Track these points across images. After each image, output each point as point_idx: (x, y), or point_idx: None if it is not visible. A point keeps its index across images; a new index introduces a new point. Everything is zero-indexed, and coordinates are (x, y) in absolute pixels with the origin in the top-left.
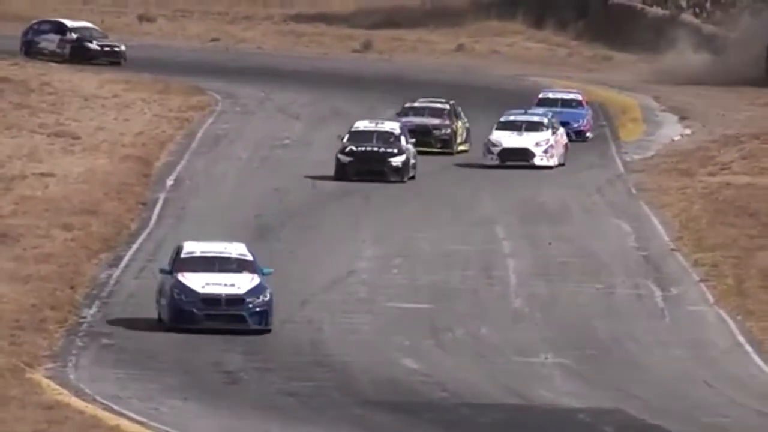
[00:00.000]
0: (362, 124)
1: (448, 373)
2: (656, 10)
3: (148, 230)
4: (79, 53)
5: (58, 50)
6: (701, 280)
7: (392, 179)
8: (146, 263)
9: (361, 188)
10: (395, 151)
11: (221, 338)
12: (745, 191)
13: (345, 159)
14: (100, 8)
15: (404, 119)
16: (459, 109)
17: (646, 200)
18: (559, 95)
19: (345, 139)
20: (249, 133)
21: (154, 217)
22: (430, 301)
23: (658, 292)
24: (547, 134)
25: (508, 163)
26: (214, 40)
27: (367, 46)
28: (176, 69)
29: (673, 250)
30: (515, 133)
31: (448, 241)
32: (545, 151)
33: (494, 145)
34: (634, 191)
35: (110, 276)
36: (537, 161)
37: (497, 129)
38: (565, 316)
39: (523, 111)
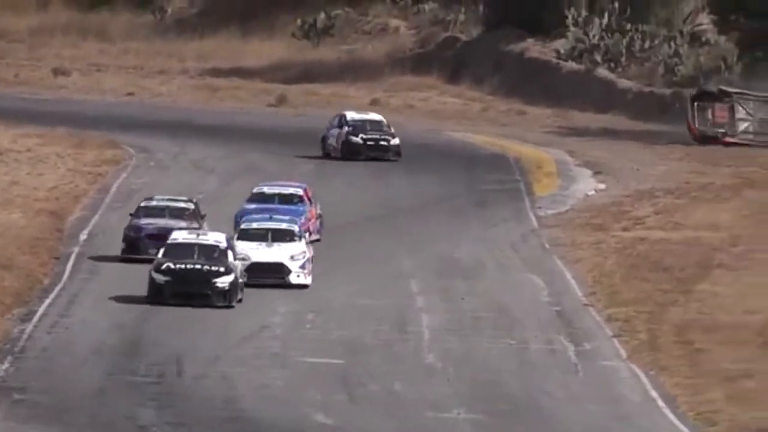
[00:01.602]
0: (181, 236)
1: (361, 428)
2: (571, 65)
3: (61, 285)
4: None
5: None
6: (615, 336)
7: (218, 304)
8: (59, 318)
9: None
10: (221, 269)
11: (136, 391)
12: (659, 246)
13: (161, 278)
14: (15, 62)
15: (141, 221)
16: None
17: (560, 255)
18: (276, 189)
19: (160, 254)
20: (163, 187)
21: (67, 271)
22: (343, 356)
23: (571, 348)
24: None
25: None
26: (129, 94)
27: (282, 100)
28: (91, 123)
29: (586, 305)
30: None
31: (362, 296)
32: (302, 267)
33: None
34: (547, 246)
35: (23, 331)
36: (293, 279)
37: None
38: (478, 371)
39: (268, 216)
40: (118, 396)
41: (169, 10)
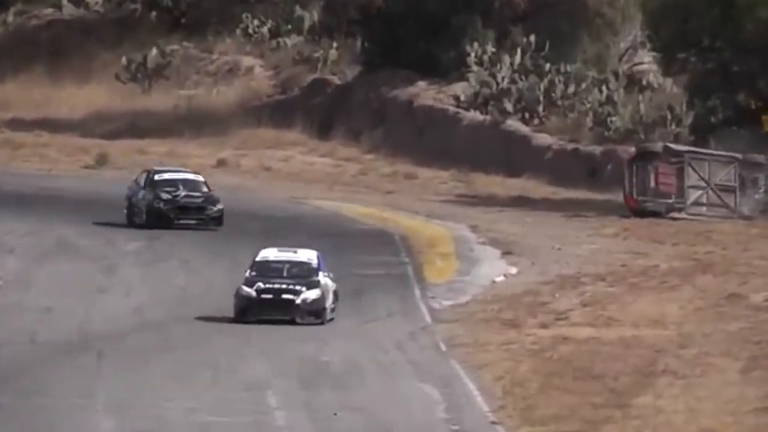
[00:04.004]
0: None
1: None
2: (474, 115)
3: None
4: None
5: None
6: None
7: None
8: None
9: (92, 343)
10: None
11: None
12: (587, 348)
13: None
14: None
15: None
16: None
17: (460, 359)
18: None
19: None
20: None
21: None
22: None
23: None
24: None
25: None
26: None
27: (102, 160)
28: None
29: (494, 423)
30: None
31: (206, 411)
32: None
33: None
34: (443, 347)
35: None
36: None
37: None
38: None
39: None
40: None
41: None
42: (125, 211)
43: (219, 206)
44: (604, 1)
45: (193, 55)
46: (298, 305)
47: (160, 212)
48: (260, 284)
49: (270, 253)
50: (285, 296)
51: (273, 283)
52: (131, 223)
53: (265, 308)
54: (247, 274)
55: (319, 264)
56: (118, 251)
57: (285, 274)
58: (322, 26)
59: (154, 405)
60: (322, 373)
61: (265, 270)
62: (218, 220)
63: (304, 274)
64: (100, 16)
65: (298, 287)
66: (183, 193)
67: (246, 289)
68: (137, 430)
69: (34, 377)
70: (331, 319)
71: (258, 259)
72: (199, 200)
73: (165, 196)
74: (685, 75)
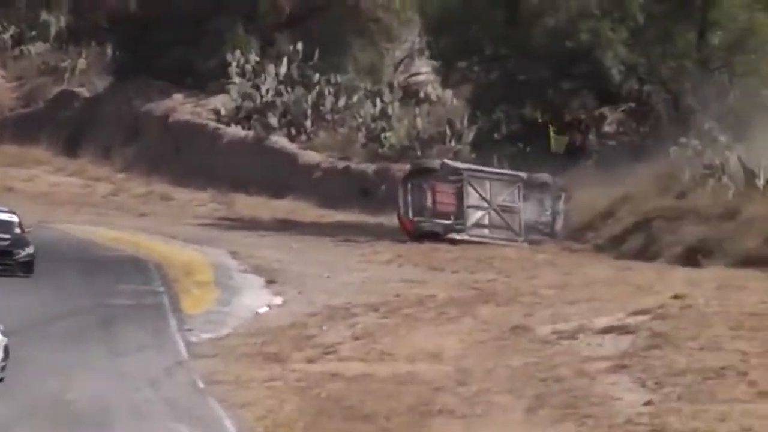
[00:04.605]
0: None
1: None
2: (236, 131)
3: None
4: None
5: None
6: None
7: None
8: None
9: None
10: None
11: None
12: (358, 385)
13: None
14: None
15: None
16: None
17: (219, 397)
18: None
19: None
20: None
21: None
22: None
23: None
24: None
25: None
26: None
27: None
28: None
29: None
30: None
31: None
32: None
33: None
34: (201, 384)
35: None
36: None
37: None
38: None
39: None
40: None
41: None
42: None
43: (29, 250)
44: (379, 4)
45: None
46: None
47: None
48: None
49: None
50: None
51: None
52: None
53: None
54: None
55: None
56: None
57: None
58: (69, 33)
59: None
60: (67, 413)
61: None
62: (27, 266)
63: None
64: None
65: None
66: None
67: None
68: None
69: None
70: (1, 380)
71: None
72: (5, 243)
73: None
74: (466, 86)
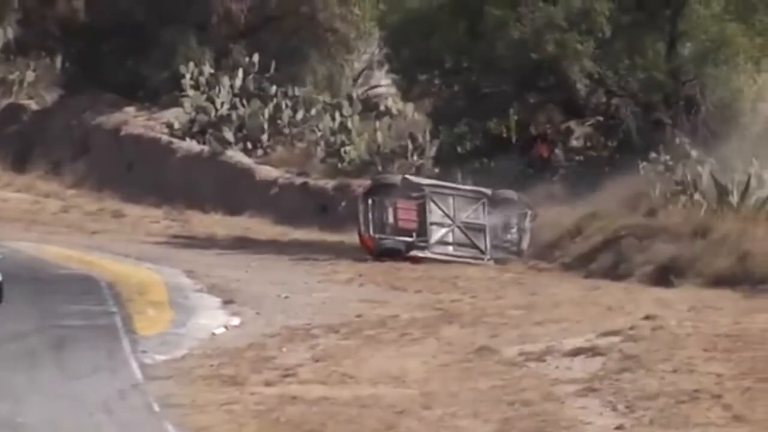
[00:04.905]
0: None
1: None
2: (190, 145)
3: None
4: None
5: None
6: None
7: None
8: None
9: None
10: None
11: None
12: (318, 409)
13: None
14: None
15: None
16: None
17: (175, 421)
18: None
19: None
20: None
21: None
22: None
23: None
24: None
25: None
26: None
27: None
28: None
29: None
30: None
31: None
32: None
33: None
34: (157, 408)
35: None
36: None
37: None
38: None
39: None
40: None
41: None
42: None
43: None
44: (336, 14)
45: None
46: None
47: None
48: None
49: None
50: None
51: None
52: None
53: None
54: None
55: None
56: None
57: None
58: (17, 44)
59: None
60: None
61: None
62: None
63: None
64: None
65: None
66: None
67: None
68: None
69: None
70: None
71: None
72: None
73: None
74: (428, 99)
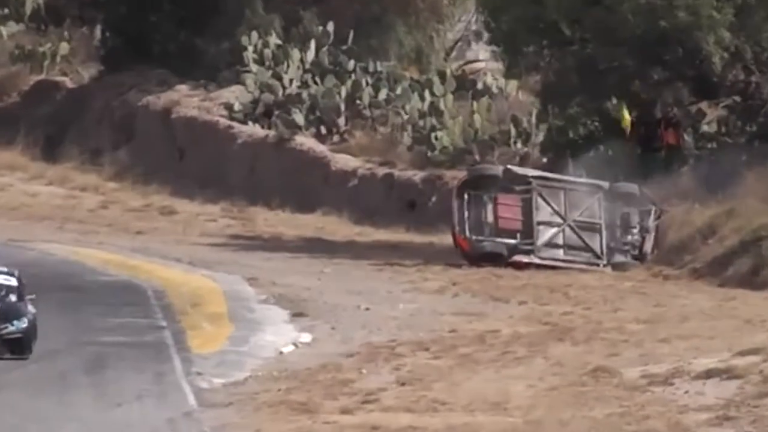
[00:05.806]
0: None
1: None
2: (254, 129)
3: None
4: None
5: None
6: None
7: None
8: None
9: None
10: None
11: None
12: None
13: None
14: None
15: None
16: None
17: None
18: None
19: None
20: None
21: None
22: None
23: None
24: None
25: None
26: None
27: None
28: None
29: None
30: None
31: None
32: None
33: None
34: None
35: None
36: None
37: None
38: None
39: None
40: None
41: None
42: None
43: (19, 324)
44: None
45: None
46: None
47: None
48: None
49: None
50: None
51: None
52: None
53: None
54: None
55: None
56: None
57: None
58: (48, 11)
59: None
60: None
61: None
62: (16, 344)
63: None
64: None
65: None
66: None
67: None
68: None
69: None
70: None
71: None
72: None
73: None
74: (535, 76)
